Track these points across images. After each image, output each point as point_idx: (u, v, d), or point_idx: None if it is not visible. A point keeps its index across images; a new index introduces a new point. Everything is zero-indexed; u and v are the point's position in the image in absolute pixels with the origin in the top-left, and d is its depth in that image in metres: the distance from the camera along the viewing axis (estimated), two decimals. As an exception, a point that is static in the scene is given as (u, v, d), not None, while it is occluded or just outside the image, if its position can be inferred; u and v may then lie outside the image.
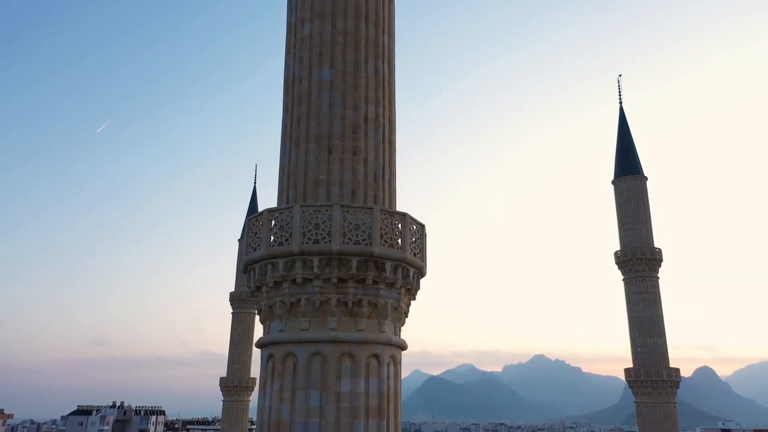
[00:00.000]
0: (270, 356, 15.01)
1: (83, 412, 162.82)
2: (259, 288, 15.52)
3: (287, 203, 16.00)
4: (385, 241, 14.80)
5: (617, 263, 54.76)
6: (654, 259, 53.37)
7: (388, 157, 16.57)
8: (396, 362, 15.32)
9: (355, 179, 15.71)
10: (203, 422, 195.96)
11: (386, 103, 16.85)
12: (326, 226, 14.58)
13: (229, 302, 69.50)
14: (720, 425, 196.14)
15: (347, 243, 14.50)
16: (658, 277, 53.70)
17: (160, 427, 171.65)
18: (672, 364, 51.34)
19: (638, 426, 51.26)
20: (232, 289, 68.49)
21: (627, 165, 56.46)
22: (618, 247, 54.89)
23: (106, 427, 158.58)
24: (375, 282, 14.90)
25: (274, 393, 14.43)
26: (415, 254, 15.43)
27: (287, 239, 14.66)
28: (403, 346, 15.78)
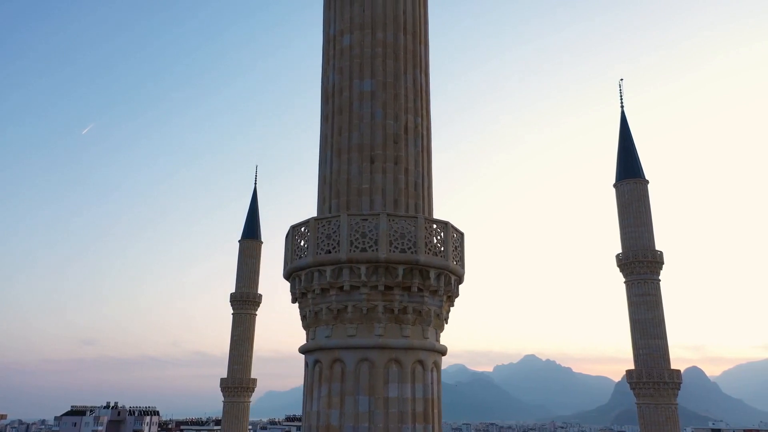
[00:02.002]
0: (316, 361, 15.34)
1: (77, 412, 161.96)
2: (304, 295, 15.84)
3: (330, 211, 16.36)
4: (429, 250, 15.19)
5: (619, 266, 55.42)
6: (655, 261, 54.09)
7: (427, 166, 16.98)
8: (438, 368, 15.73)
9: (397, 188, 16.09)
10: (197, 422, 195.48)
11: (424, 113, 17.24)
12: (373, 234, 14.94)
13: (229, 303, 69.71)
14: (710, 425, 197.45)
15: (393, 251, 14.88)
16: (659, 280, 54.41)
17: (155, 428, 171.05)
18: (662, 365, 52.10)
19: (640, 427, 51.90)
20: (231, 290, 68.68)
21: (628, 168, 57.15)
22: (619, 250, 55.60)
23: (100, 428, 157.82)
24: (420, 289, 15.30)
25: (322, 398, 14.77)
26: (456, 262, 15.80)
27: (335, 247, 15.02)
28: (443, 352, 16.16)
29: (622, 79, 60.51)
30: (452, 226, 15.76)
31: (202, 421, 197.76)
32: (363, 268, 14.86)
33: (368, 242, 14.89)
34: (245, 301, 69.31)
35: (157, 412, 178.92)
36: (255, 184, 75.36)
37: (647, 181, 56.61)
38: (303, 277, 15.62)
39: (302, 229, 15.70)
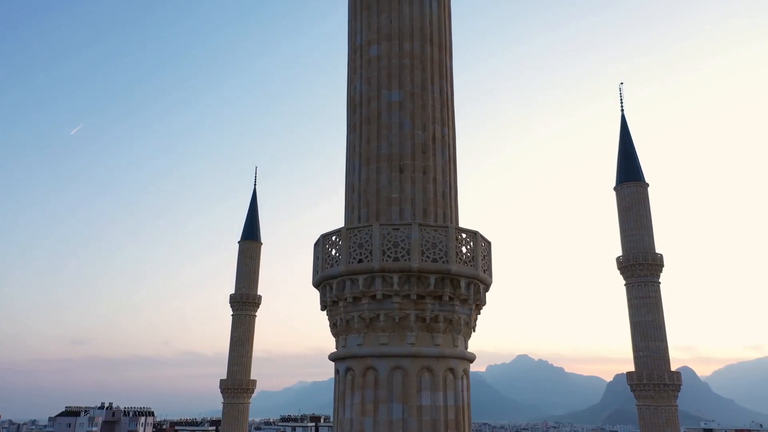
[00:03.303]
0: (348, 369, 15.56)
1: (71, 413, 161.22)
2: (335, 303, 16.04)
3: (359, 220, 16.57)
4: (460, 259, 15.42)
5: (619, 268, 55.89)
6: (655, 264, 54.59)
7: (453, 176, 17.21)
8: (467, 375, 15.99)
9: (426, 198, 16.32)
10: (192, 423, 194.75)
11: (450, 123, 17.49)
12: (405, 244, 15.17)
13: (228, 304, 69.79)
14: (702, 425, 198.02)
15: (425, 261, 15.11)
16: (659, 282, 54.90)
17: (149, 428, 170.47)
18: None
19: (640, 429, 52.36)
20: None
21: (629, 172, 57.62)
22: (619, 252, 56.10)
23: (94, 429, 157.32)
24: (450, 298, 15.54)
25: (356, 405, 14.98)
26: (484, 271, 16.05)
27: (367, 257, 15.23)
28: (472, 359, 16.40)
29: (622, 83, 61.05)
30: (481, 236, 16.02)
31: (197, 422, 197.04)
32: (395, 278, 15.07)
33: (400, 252, 15.12)
34: (245, 302, 69.37)
35: (152, 412, 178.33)
36: (255, 185, 75.24)
37: (647, 185, 57.12)
38: (335, 286, 15.83)
39: (333, 238, 15.91)
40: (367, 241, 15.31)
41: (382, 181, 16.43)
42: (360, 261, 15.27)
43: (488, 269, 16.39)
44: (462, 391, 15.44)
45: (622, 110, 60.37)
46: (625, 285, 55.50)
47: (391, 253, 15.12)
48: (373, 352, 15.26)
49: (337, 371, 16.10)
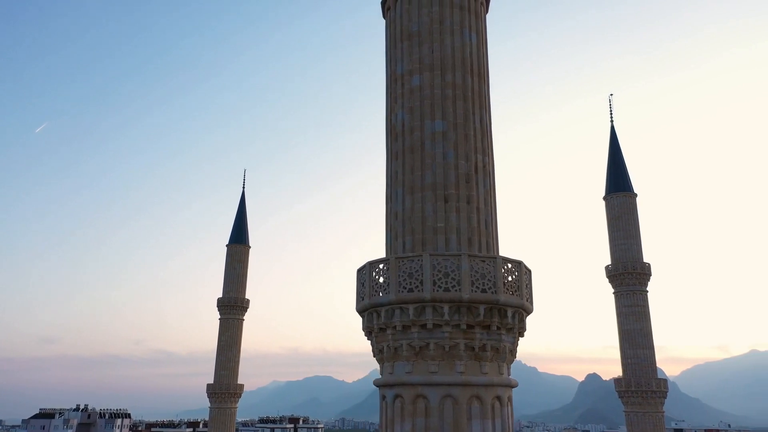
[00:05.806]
0: (397, 396, 15.84)
1: (46, 415, 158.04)
2: (383, 330, 16.29)
3: (403, 248, 16.89)
4: (507, 289, 15.82)
5: (608, 277, 56.97)
6: (644, 273, 55.79)
7: (494, 204, 17.61)
8: (511, 402, 16.38)
9: (470, 227, 16.71)
10: (169, 425, 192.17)
11: (490, 152, 17.88)
12: (455, 275, 15.52)
13: (216, 308, 69.52)
14: (673, 425, 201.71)
15: (475, 291, 15.49)
16: (647, 291, 56.13)
17: (126, 431, 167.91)
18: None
19: (628, 434, 53.53)
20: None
21: (618, 182, 58.75)
22: (607, 261, 57.24)
23: (69, 431, 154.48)
24: (498, 328, 15.94)
25: (406, 433, 15.22)
26: (527, 299, 16.47)
27: (417, 286, 15.53)
28: (515, 386, 16.81)
29: (611, 94, 62.17)
30: (524, 265, 16.46)
31: (174, 423, 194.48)
32: (446, 308, 15.43)
33: (451, 282, 15.47)
34: (233, 306, 69.13)
35: (129, 414, 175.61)
36: (243, 188, 74.97)
37: (636, 195, 58.33)
38: (383, 313, 16.11)
39: (381, 266, 16.19)
40: (417, 270, 15.63)
41: (427, 210, 16.75)
42: (410, 290, 15.57)
43: (530, 297, 16.81)
44: (507, 418, 15.83)
45: (612, 121, 61.54)
46: (613, 293, 56.58)
47: (441, 283, 15.47)
48: (423, 380, 15.58)
49: (383, 397, 16.37)
